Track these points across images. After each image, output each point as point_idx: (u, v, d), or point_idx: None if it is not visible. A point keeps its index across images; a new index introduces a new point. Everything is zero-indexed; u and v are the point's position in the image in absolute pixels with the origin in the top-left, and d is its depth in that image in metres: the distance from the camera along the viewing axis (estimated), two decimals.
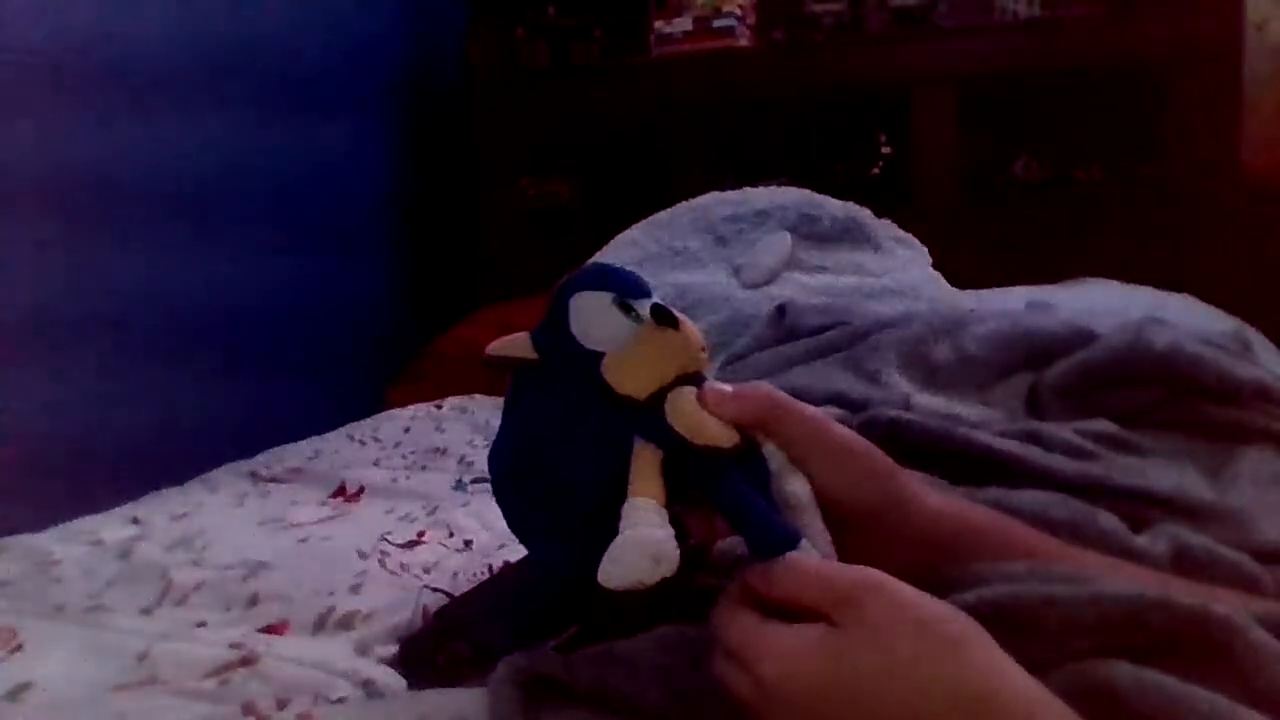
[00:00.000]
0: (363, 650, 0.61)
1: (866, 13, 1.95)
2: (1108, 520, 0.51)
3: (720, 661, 0.39)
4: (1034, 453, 0.57)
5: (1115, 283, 1.50)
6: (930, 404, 0.65)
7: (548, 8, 2.18)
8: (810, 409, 0.45)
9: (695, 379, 0.43)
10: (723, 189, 1.66)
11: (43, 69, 1.23)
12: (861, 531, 0.44)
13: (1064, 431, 0.60)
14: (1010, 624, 0.38)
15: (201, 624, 0.65)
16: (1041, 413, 0.68)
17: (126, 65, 1.38)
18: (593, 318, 0.42)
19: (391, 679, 0.57)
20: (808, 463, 0.43)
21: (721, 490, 0.41)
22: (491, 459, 0.47)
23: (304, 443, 1.25)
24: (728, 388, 0.43)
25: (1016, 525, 0.49)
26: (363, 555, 0.78)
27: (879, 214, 1.64)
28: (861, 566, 0.37)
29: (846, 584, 0.36)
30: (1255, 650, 0.37)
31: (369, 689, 0.56)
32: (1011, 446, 0.57)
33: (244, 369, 1.59)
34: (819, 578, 0.37)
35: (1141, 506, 0.54)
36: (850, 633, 0.35)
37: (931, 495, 0.48)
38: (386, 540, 0.82)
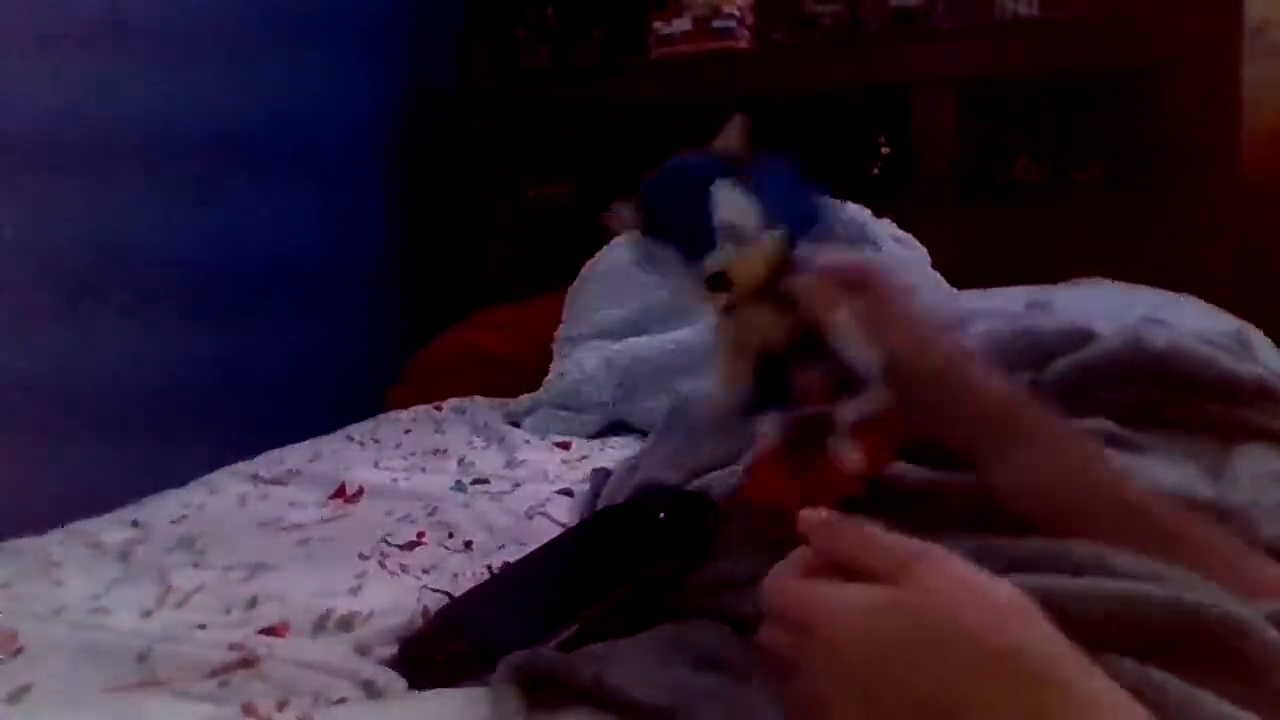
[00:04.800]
0: (362, 651, 0.61)
1: (865, 14, 1.95)
2: None
3: (769, 628, 0.38)
4: None
5: (1115, 283, 1.50)
6: None
7: (547, 9, 2.18)
8: (897, 283, 0.56)
9: None
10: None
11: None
12: (926, 397, 0.53)
13: None
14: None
15: (202, 625, 0.65)
16: None
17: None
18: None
19: (391, 680, 0.57)
20: (884, 327, 0.53)
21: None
22: None
23: (304, 444, 1.25)
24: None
25: (1063, 435, 0.54)
26: (363, 556, 0.78)
27: (878, 214, 1.64)
28: (925, 541, 0.37)
29: (910, 552, 0.36)
30: (1267, 651, 0.37)
31: (369, 690, 0.56)
32: None
33: (244, 370, 1.59)
34: (884, 542, 0.37)
35: None
36: (913, 596, 0.35)
37: (993, 378, 0.55)
38: (386, 541, 0.82)
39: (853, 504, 0.44)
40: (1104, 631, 0.39)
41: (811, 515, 0.39)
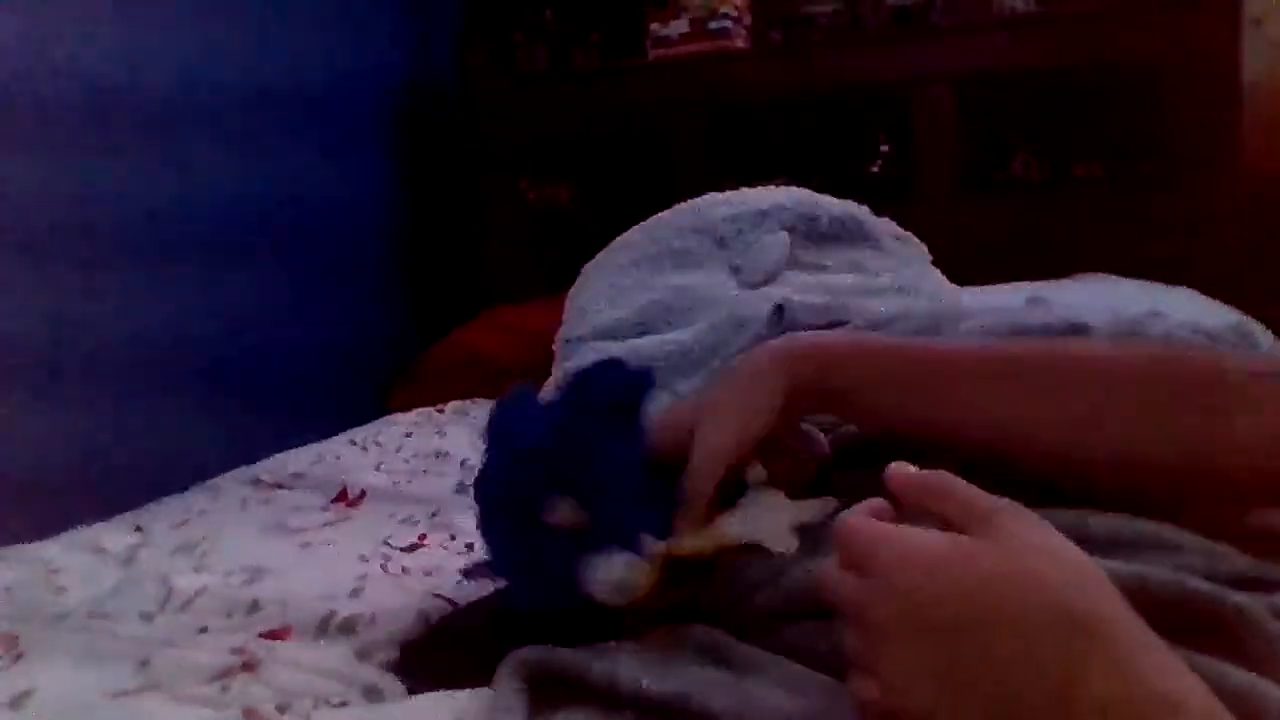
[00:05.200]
0: (364, 655, 0.61)
1: (864, 12, 1.95)
2: None
3: (836, 572, 0.38)
4: None
5: (1116, 278, 1.50)
6: None
7: (545, 12, 2.18)
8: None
9: None
10: (721, 190, 1.66)
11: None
12: None
13: None
14: None
15: (203, 630, 0.65)
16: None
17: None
18: None
19: (392, 683, 0.56)
20: None
21: None
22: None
23: (306, 449, 1.25)
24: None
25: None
26: (364, 559, 0.78)
27: (878, 212, 1.64)
28: (1003, 498, 0.37)
29: (987, 506, 0.36)
30: (1267, 640, 0.37)
31: (370, 693, 0.56)
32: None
33: (246, 376, 1.59)
34: (962, 493, 0.37)
35: None
36: (983, 543, 0.35)
37: None
38: (388, 544, 0.82)
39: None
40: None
41: (896, 467, 0.39)
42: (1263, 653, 0.38)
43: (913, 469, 0.39)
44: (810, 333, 0.60)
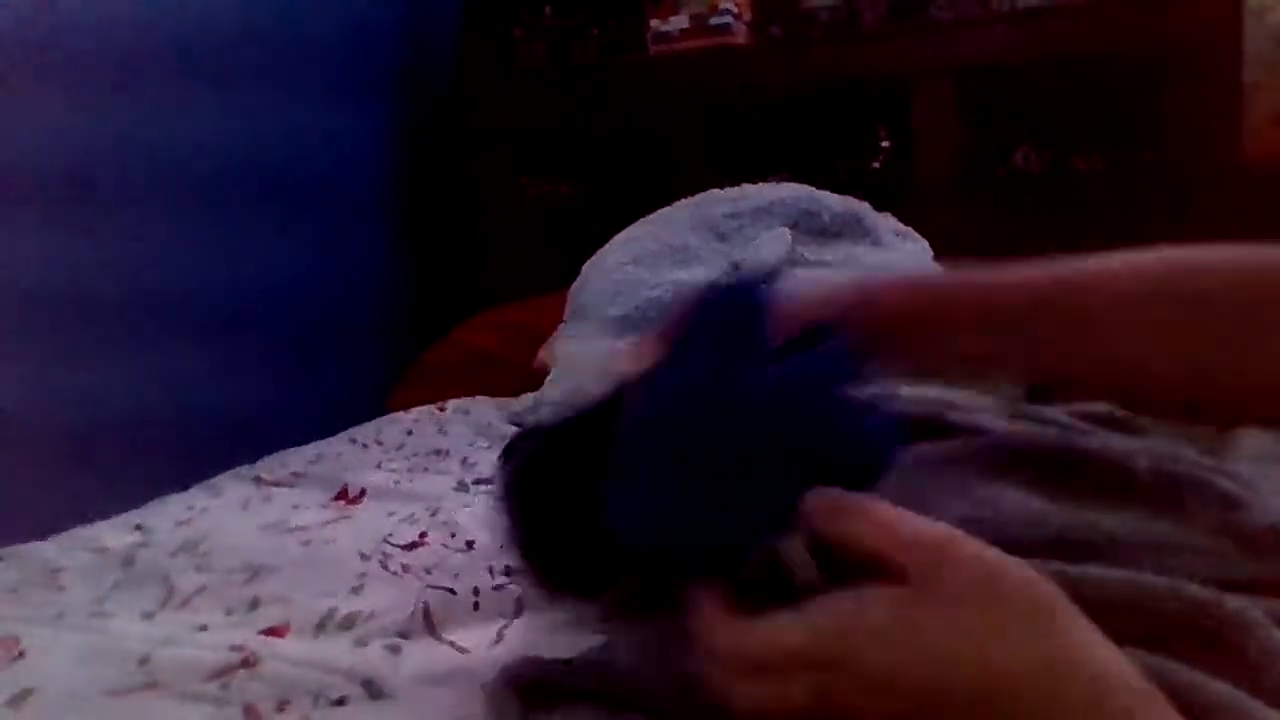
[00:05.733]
0: (364, 652, 0.61)
1: (862, 6, 1.94)
2: None
3: (757, 688, 0.35)
4: (1025, 432, 0.57)
5: None
6: (918, 391, 0.65)
7: (544, 8, 2.18)
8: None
9: None
10: (722, 186, 1.66)
11: (29, 54, 1.22)
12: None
13: (1058, 414, 0.60)
14: None
15: (203, 627, 0.65)
16: (1043, 401, 0.68)
17: (123, 53, 1.37)
18: None
19: (391, 679, 0.56)
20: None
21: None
22: None
23: (306, 447, 1.25)
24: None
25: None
26: (364, 557, 0.78)
27: (879, 208, 1.64)
28: (942, 525, 0.34)
29: (930, 543, 0.34)
30: (1263, 649, 0.37)
31: (370, 690, 0.56)
32: (1004, 425, 0.57)
33: (246, 374, 1.59)
34: (900, 528, 0.34)
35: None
36: (930, 599, 0.32)
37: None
38: (388, 542, 0.82)
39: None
40: (1108, 619, 0.38)
41: (817, 497, 0.36)
42: (1261, 661, 0.37)
43: (831, 495, 0.35)
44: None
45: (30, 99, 1.22)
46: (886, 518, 0.35)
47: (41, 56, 1.24)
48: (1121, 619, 0.38)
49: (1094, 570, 0.42)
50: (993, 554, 0.34)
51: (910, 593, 0.33)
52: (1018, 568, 0.33)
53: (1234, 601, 0.38)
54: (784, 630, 0.34)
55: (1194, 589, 0.39)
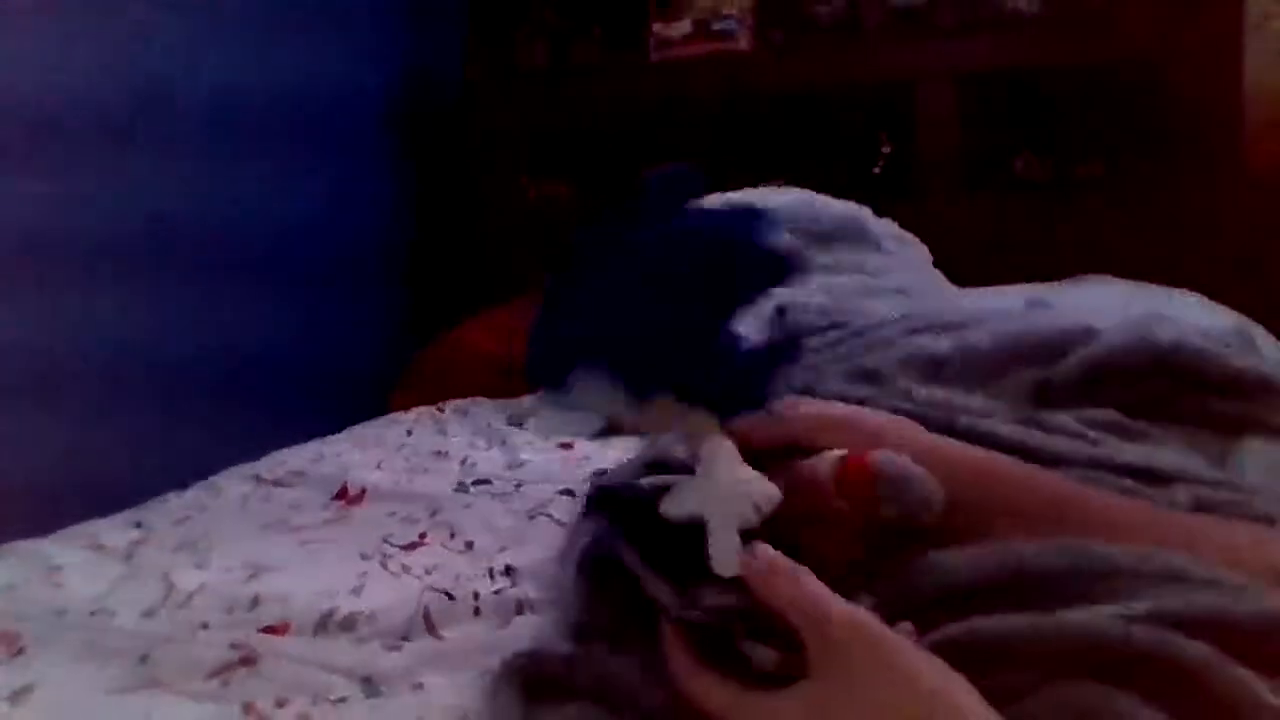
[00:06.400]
0: (363, 651, 0.61)
1: (865, 11, 1.95)
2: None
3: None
4: (1036, 437, 0.57)
5: (1118, 280, 1.50)
6: (932, 396, 0.65)
7: (547, 9, 2.18)
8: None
9: None
10: (723, 190, 1.66)
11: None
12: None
13: (1067, 420, 0.60)
14: (985, 655, 0.40)
15: (203, 626, 0.65)
16: (1049, 408, 0.68)
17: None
18: None
19: (391, 676, 0.56)
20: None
21: None
22: None
23: (306, 446, 1.25)
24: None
25: (1037, 471, 0.52)
26: (364, 557, 0.78)
27: (880, 213, 1.64)
28: (852, 608, 0.40)
29: (838, 625, 0.39)
30: (1228, 688, 0.38)
31: (369, 689, 0.56)
32: (1014, 432, 0.57)
33: (247, 373, 1.59)
34: (813, 607, 0.40)
35: (1146, 484, 0.53)
36: (833, 685, 0.38)
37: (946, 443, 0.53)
38: (388, 542, 0.82)
39: None
40: (1060, 662, 0.40)
41: (755, 559, 0.41)
42: (1228, 701, 0.37)
43: (766, 559, 0.41)
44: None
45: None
46: (804, 592, 0.40)
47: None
48: (1076, 660, 0.40)
49: (1049, 618, 0.42)
50: (892, 639, 0.39)
51: (816, 687, 0.39)
52: (914, 653, 0.39)
53: (1193, 648, 0.39)
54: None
55: (1141, 634, 0.40)
